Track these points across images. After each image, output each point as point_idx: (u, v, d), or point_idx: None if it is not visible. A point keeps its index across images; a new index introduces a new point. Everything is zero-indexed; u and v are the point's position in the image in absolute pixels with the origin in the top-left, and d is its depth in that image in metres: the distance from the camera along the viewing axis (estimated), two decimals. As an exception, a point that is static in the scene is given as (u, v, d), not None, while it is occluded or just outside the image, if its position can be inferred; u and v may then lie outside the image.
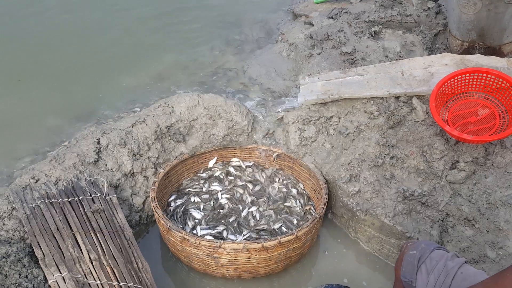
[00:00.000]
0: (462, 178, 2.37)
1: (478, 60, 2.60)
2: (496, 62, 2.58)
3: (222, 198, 2.71)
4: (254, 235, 2.47)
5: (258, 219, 2.59)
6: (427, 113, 2.59)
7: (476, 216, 2.28)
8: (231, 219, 2.57)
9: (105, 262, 2.01)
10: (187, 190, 2.79)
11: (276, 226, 2.53)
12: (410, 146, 2.54)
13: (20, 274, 1.87)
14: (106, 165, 2.54)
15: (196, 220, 2.57)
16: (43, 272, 1.91)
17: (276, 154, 2.85)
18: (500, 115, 2.45)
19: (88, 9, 4.32)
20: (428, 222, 2.36)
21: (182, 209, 2.65)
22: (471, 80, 2.49)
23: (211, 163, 2.92)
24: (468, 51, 2.78)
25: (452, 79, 2.48)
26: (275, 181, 2.85)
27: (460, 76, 2.48)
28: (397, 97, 2.70)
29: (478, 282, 1.42)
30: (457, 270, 1.66)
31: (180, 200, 2.71)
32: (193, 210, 2.62)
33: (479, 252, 2.21)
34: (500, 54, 2.71)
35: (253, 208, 2.65)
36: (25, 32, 3.93)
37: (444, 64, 2.64)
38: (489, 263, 2.15)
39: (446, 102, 2.54)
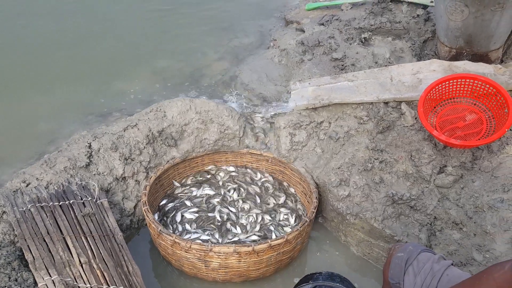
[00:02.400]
0: (449, 182, 2.40)
1: (465, 66, 2.65)
2: (483, 68, 2.62)
3: (213, 202, 2.72)
4: (244, 239, 2.48)
5: (248, 223, 2.61)
6: (415, 118, 2.63)
7: (463, 220, 2.31)
8: (222, 223, 2.58)
9: (95, 266, 2.01)
10: (178, 194, 2.80)
11: (267, 229, 2.55)
12: (399, 150, 2.57)
13: (9, 277, 1.87)
14: (97, 169, 2.55)
15: (187, 224, 2.58)
16: (33, 275, 1.91)
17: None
18: (487, 120, 2.49)
19: (80, 16, 4.32)
20: (417, 226, 2.39)
21: (173, 213, 2.66)
22: (458, 86, 2.53)
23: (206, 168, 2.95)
24: (456, 57, 2.82)
25: (440, 85, 2.52)
26: (267, 185, 2.86)
27: (448, 82, 2.52)
28: (386, 103, 2.73)
29: (456, 284, 1.45)
30: (443, 272, 1.69)
31: (171, 204, 2.72)
32: (185, 213, 2.64)
33: (466, 255, 2.23)
34: (487, 61, 2.75)
35: (244, 212, 2.67)
36: (17, 38, 3.93)
37: (432, 70, 2.68)
38: (476, 265, 2.17)
39: (434, 107, 2.58)
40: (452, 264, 1.76)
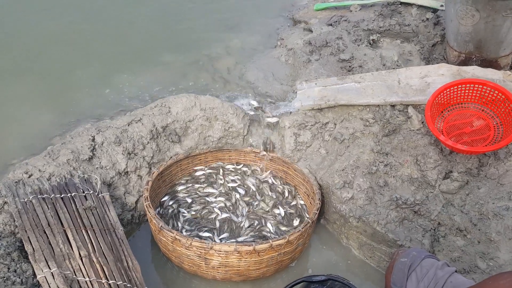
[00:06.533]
0: (455, 188, 2.38)
1: (474, 71, 2.62)
2: (492, 74, 2.60)
3: (215, 200, 2.70)
4: (244, 239, 2.46)
5: (250, 222, 2.59)
6: (422, 122, 2.61)
7: (468, 227, 2.29)
8: (223, 222, 2.56)
9: (95, 260, 2.00)
10: (181, 191, 2.79)
11: (269, 229, 2.53)
12: (404, 154, 2.55)
13: (9, 268, 1.86)
14: (100, 162, 2.53)
15: (188, 221, 2.57)
16: (32, 267, 1.90)
17: (263, 155, 2.87)
18: (494, 127, 2.46)
19: (81, 13, 4.31)
20: (420, 231, 2.37)
21: (174, 210, 2.64)
22: (467, 91, 2.51)
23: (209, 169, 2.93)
24: (465, 62, 2.79)
25: (448, 89, 2.50)
26: (270, 185, 2.85)
27: (456, 87, 2.50)
28: (393, 106, 2.71)
29: None
30: (447, 279, 1.68)
31: (173, 201, 2.70)
32: (185, 210, 2.62)
33: (470, 263, 2.21)
34: (496, 67, 2.73)
35: (246, 212, 2.65)
36: (20, 32, 3.92)
37: (441, 75, 2.66)
38: (480, 273, 2.15)
39: (442, 112, 2.56)
40: (455, 271, 1.75)
